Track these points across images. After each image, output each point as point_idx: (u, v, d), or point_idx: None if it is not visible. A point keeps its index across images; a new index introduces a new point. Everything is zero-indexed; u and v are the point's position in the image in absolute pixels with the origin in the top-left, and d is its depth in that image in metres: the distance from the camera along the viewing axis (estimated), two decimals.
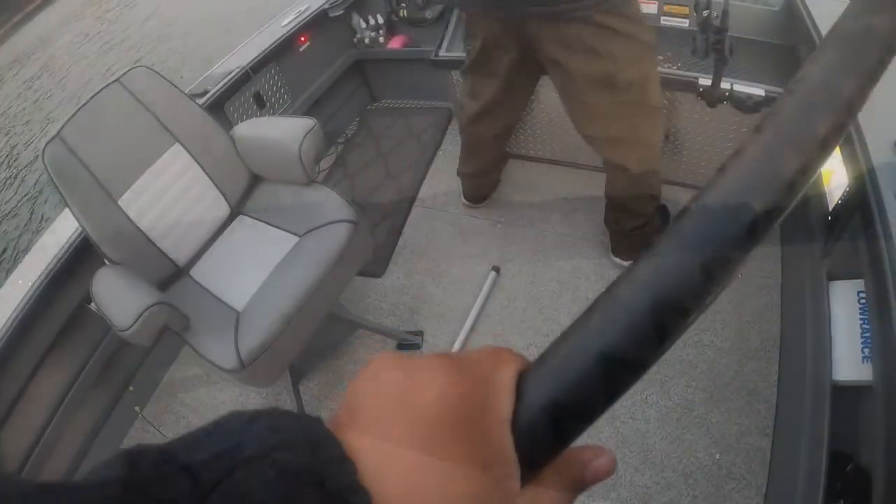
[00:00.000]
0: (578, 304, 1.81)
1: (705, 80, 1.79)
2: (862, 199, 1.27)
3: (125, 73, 1.58)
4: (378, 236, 2.14)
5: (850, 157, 1.40)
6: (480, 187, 2.12)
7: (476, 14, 1.60)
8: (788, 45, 2.04)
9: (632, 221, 1.82)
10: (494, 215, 2.16)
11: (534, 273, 1.96)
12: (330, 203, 1.64)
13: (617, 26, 1.40)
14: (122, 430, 1.88)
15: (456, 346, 1.78)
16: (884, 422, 0.97)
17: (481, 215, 2.17)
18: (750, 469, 1.53)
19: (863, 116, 1.41)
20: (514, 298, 1.90)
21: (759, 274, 1.96)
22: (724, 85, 1.81)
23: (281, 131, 1.67)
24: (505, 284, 1.95)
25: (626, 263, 1.97)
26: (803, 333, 1.52)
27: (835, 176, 1.54)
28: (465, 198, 2.16)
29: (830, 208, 1.54)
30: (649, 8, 2.05)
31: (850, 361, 1.30)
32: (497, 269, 1.96)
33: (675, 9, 2.02)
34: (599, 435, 1.62)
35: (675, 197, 2.06)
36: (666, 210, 2.00)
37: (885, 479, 0.92)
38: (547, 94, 1.96)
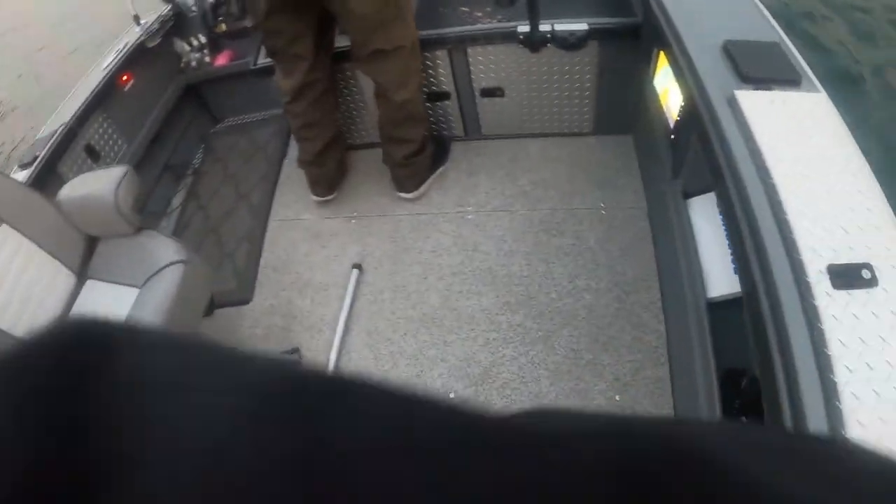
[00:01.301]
0: (444, 281, 1.87)
1: (525, 28, 1.85)
2: (694, 111, 1.29)
3: None
4: (238, 261, 2.13)
5: (678, 69, 1.43)
6: (324, 176, 2.15)
7: None
8: None
9: (402, 150, 1.98)
10: (347, 211, 2.20)
11: (395, 261, 2.01)
12: (161, 247, 1.64)
13: None
14: None
15: (332, 355, 1.82)
16: (751, 328, 1.02)
17: (335, 214, 2.20)
18: (654, 402, 1.59)
19: (685, 22, 1.48)
20: (381, 291, 1.95)
21: (626, 206, 2.03)
22: (545, 27, 1.86)
23: (95, 186, 1.66)
24: (369, 280, 1.99)
25: (409, 196, 2.12)
26: (675, 255, 1.56)
27: (671, 94, 1.58)
28: (313, 192, 2.19)
29: (671, 126, 1.59)
30: None
31: (722, 276, 1.36)
32: (359, 267, 2.00)
33: None
34: (492, 407, 1.66)
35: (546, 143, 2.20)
36: (442, 139, 2.18)
37: (765, 383, 0.96)
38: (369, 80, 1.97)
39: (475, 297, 1.87)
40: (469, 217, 2.07)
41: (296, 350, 1.89)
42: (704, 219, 1.49)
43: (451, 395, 1.59)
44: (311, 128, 2.01)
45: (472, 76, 2.08)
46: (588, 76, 2.06)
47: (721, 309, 1.33)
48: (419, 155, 2.03)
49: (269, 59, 1.99)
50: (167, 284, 1.56)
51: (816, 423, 0.78)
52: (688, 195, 1.57)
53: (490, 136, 2.33)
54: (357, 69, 2.00)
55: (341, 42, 1.95)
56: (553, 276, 1.88)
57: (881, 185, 1.04)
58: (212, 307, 1.83)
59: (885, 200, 1.03)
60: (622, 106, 2.10)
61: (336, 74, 2.08)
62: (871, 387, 0.79)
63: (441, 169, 2.20)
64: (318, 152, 2.06)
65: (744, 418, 1.17)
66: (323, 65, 1.90)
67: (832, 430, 0.77)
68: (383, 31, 1.69)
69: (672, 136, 1.60)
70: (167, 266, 1.59)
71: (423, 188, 2.13)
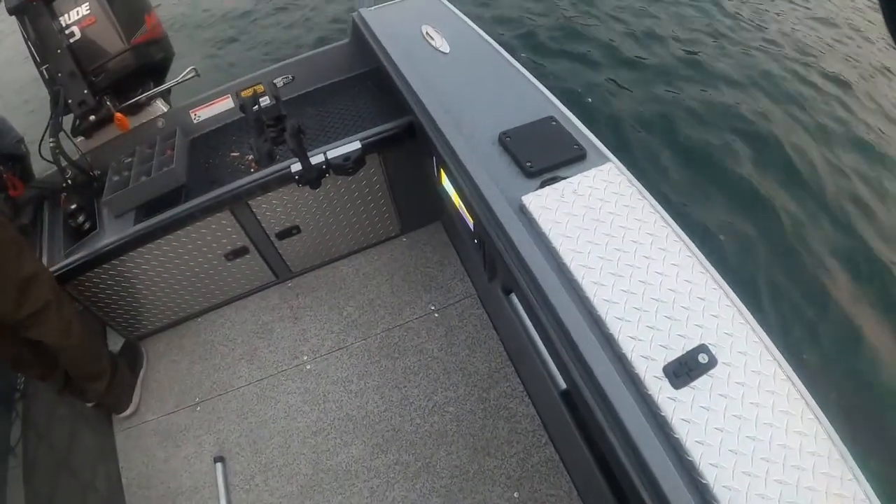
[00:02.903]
0: (308, 444, 1.89)
1: (298, 166, 1.77)
2: (482, 225, 1.24)
3: None
4: (100, 489, 2.01)
5: (457, 184, 1.37)
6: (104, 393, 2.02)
7: None
8: (368, 69, 2.13)
9: (98, 385, 1.95)
10: (188, 399, 2.13)
11: (253, 439, 1.98)
12: None
13: None
14: None
15: None
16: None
17: (177, 405, 2.13)
18: (552, 484, 1.63)
19: (454, 122, 1.43)
20: (251, 477, 1.93)
21: (456, 299, 2.07)
22: (318, 158, 1.79)
23: None
24: (236, 468, 1.96)
25: (128, 412, 2.07)
26: (520, 342, 1.52)
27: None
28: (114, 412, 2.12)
29: (472, 228, 1.55)
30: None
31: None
32: (221, 459, 1.95)
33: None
34: None
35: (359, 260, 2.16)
36: (129, 343, 2.22)
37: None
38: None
39: (343, 449, 1.88)
40: (308, 367, 2.06)
41: None
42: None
43: None
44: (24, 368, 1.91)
45: (263, 224, 2.01)
46: (378, 186, 2.03)
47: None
48: (114, 379, 2.00)
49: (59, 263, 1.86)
50: None
51: None
52: (508, 290, 1.55)
53: (301, 271, 2.28)
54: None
55: None
56: (410, 401, 1.90)
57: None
58: None
59: (702, 263, 1.04)
60: (423, 198, 2.09)
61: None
62: (740, 469, 0.80)
63: (142, 374, 2.19)
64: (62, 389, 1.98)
65: None
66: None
67: None
68: (24, 300, 1.63)
69: (475, 240, 1.58)
70: None
71: (135, 399, 2.12)
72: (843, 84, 4.16)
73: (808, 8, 5.14)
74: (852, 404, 2.31)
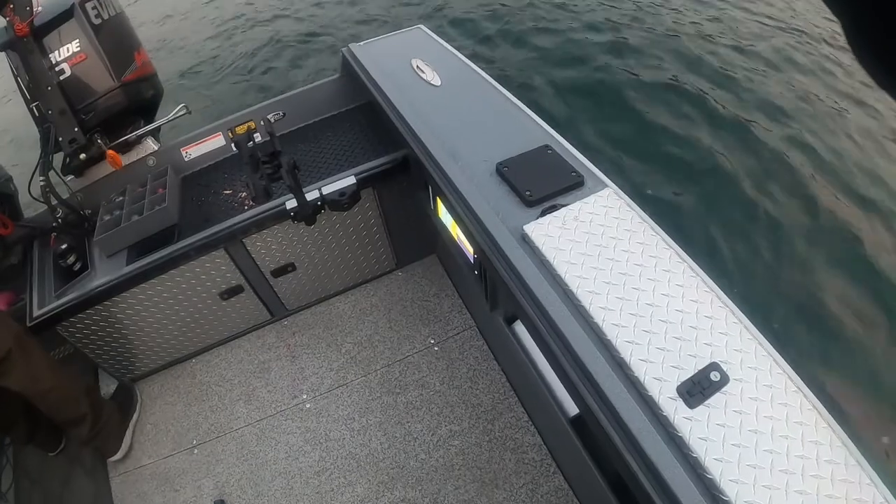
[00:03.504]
0: (311, 484, 1.85)
1: (293, 203, 1.76)
2: (486, 256, 1.24)
3: None
4: None
5: (457, 215, 1.37)
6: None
7: None
8: (360, 103, 2.13)
9: (82, 428, 1.90)
10: (185, 442, 2.08)
11: (255, 482, 1.94)
12: None
13: None
14: None
15: None
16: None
17: (174, 448, 2.08)
18: None
19: (451, 155, 1.44)
20: None
21: (455, 331, 2.04)
22: (313, 195, 1.76)
23: None
24: None
25: (118, 456, 2.00)
26: (523, 372, 1.51)
27: (459, 230, 1.54)
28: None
29: (472, 260, 1.55)
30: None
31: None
32: (221, 502, 1.88)
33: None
34: None
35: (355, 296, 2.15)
36: (123, 385, 2.16)
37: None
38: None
39: (348, 489, 1.83)
40: (308, 406, 2.02)
41: None
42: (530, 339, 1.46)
43: None
44: None
45: (258, 262, 1.98)
46: (373, 220, 2.01)
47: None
48: (98, 422, 1.94)
49: (46, 306, 1.81)
50: None
51: None
52: (511, 320, 1.54)
53: (297, 309, 2.26)
54: None
55: None
56: (414, 436, 1.87)
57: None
58: None
59: (706, 281, 1.05)
60: (418, 232, 2.08)
61: None
62: (760, 483, 0.80)
63: (135, 417, 2.13)
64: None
65: None
66: None
67: None
68: None
69: (476, 272, 1.57)
70: None
71: (126, 443, 2.05)
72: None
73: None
74: (862, 410, 2.30)
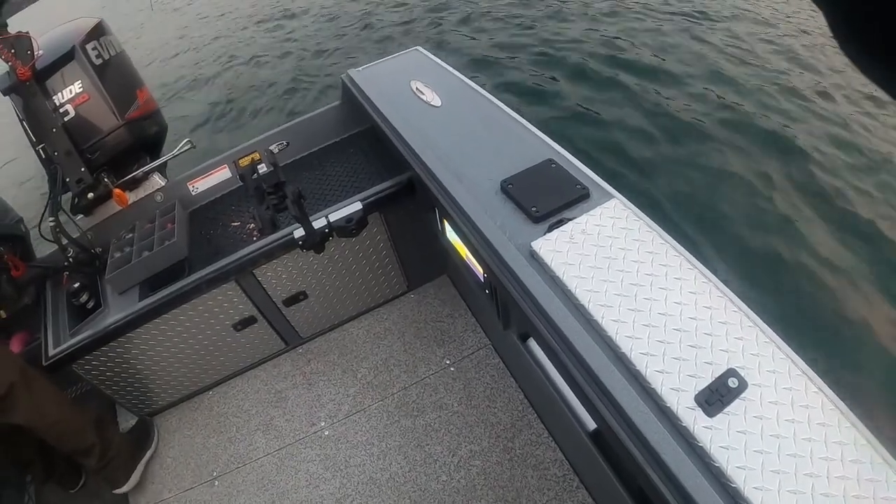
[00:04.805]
0: None
1: (301, 231, 1.77)
2: (494, 275, 1.23)
3: None
4: None
5: (463, 235, 1.36)
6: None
7: None
8: (362, 129, 2.13)
9: (90, 459, 1.91)
10: (205, 474, 2.07)
11: None
12: None
13: None
14: None
15: None
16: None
17: (194, 482, 2.07)
18: None
19: (455, 176, 1.43)
20: None
21: (470, 350, 2.04)
22: (321, 222, 1.76)
23: None
24: None
25: (124, 488, 1.99)
26: (540, 387, 1.48)
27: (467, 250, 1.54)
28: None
29: (482, 279, 1.54)
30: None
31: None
32: None
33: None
34: None
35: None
36: (142, 421, 2.15)
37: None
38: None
39: None
40: (326, 433, 2.02)
41: None
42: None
43: None
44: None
45: (269, 292, 1.99)
46: (381, 244, 2.01)
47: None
48: (108, 452, 1.94)
49: (62, 345, 1.82)
50: None
51: None
52: (525, 337, 1.52)
53: (311, 336, 2.27)
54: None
55: None
56: (434, 458, 1.85)
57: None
58: None
59: (719, 287, 1.03)
60: (428, 253, 2.08)
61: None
62: (785, 489, 0.79)
63: (149, 452, 2.13)
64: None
65: None
66: None
67: None
68: None
69: (486, 291, 1.56)
70: None
71: (135, 476, 2.04)
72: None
73: None
74: (887, 406, 2.26)
